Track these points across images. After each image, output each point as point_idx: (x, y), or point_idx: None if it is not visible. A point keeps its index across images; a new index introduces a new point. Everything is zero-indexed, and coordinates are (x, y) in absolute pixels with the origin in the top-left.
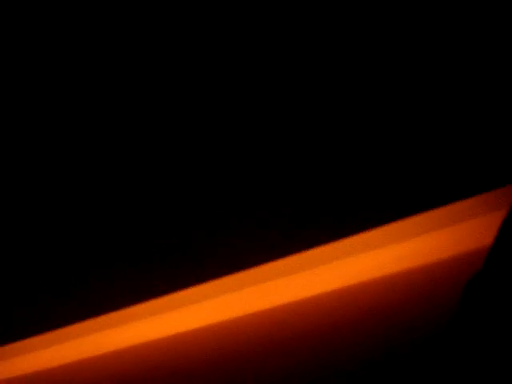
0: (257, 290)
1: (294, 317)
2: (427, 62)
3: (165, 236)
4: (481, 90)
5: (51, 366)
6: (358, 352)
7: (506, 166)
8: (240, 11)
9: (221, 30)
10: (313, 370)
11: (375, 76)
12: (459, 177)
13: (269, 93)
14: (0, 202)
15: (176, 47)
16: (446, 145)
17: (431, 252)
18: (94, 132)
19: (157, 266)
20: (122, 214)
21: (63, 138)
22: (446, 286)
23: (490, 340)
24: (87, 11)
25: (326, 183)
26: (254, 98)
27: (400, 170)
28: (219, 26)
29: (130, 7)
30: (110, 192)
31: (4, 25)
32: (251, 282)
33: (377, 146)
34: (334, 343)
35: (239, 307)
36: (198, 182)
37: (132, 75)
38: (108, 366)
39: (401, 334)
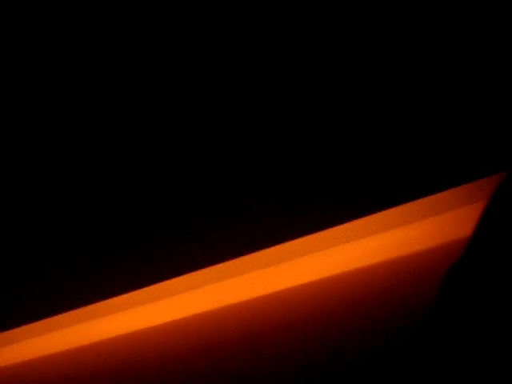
0: (238, 281)
1: (279, 306)
2: (404, 55)
3: (153, 226)
4: (458, 83)
5: (35, 356)
6: (334, 343)
7: (485, 158)
8: (240, 11)
9: (221, 30)
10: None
11: (355, 67)
12: (439, 168)
13: (259, 80)
14: None
15: (176, 47)
16: (425, 137)
17: (410, 243)
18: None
19: (146, 255)
20: (112, 204)
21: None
22: (424, 277)
23: (468, 331)
24: (87, 11)
25: (308, 175)
26: (245, 82)
27: (380, 162)
28: (219, 26)
29: (130, 7)
30: (98, 179)
31: (4, 25)
32: (233, 274)
33: (359, 139)
34: (311, 334)
35: (226, 297)
36: (185, 174)
37: (130, 72)
38: (99, 355)
39: (379, 325)
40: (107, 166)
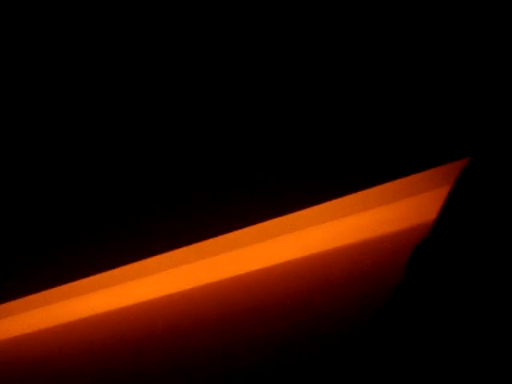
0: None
1: (255, 286)
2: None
3: (142, 200)
4: (425, 71)
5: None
6: (310, 320)
7: (450, 144)
8: (240, 11)
9: (221, 30)
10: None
11: (325, 52)
12: (405, 153)
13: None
14: None
15: (176, 47)
16: (392, 122)
17: (377, 226)
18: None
19: (137, 230)
20: (102, 179)
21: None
22: (391, 259)
23: (430, 305)
24: (87, 11)
25: (283, 157)
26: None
27: (351, 145)
28: (219, 26)
29: (130, 7)
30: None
31: (4, 25)
32: (205, 255)
33: (334, 123)
34: (288, 311)
35: (211, 274)
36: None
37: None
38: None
39: (356, 301)
40: (99, 142)
